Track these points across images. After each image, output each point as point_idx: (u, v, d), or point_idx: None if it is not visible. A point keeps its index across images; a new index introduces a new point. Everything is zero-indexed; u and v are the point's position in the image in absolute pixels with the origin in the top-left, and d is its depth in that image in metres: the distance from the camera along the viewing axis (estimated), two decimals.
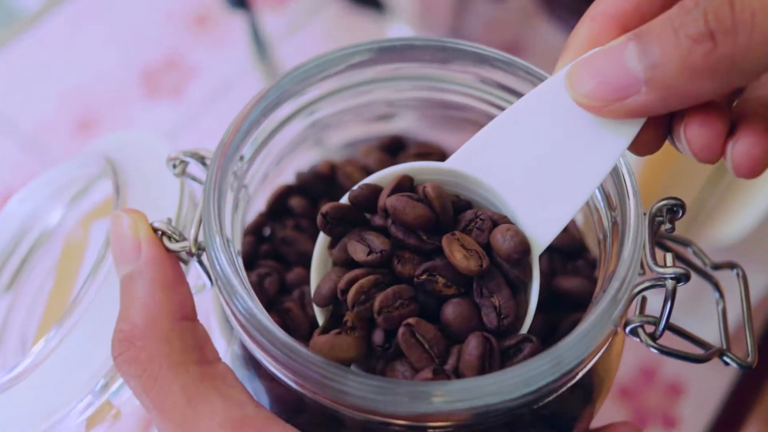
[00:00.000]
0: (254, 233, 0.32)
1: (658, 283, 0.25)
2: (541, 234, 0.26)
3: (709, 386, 0.59)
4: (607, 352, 0.28)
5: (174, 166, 0.28)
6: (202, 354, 0.26)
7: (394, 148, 0.34)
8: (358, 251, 0.25)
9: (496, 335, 0.25)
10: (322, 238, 0.28)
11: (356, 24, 0.79)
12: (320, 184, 0.32)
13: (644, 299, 0.27)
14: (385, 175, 0.27)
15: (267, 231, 0.33)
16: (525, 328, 0.26)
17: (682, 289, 0.43)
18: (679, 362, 0.48)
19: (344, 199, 0.27)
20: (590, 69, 0.23)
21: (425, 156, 0.32)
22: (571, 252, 0.32)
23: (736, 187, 0.45)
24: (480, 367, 0.24)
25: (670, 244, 0.28)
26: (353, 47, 0.29)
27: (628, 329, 0.26)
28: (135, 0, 0.81)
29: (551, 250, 0.32)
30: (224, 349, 0.29)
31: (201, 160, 0.28)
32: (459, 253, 0.24)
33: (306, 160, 0.33)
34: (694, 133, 0.23)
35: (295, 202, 0.32)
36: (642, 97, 0.22)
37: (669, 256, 0.26)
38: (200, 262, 0.27)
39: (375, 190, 0.27)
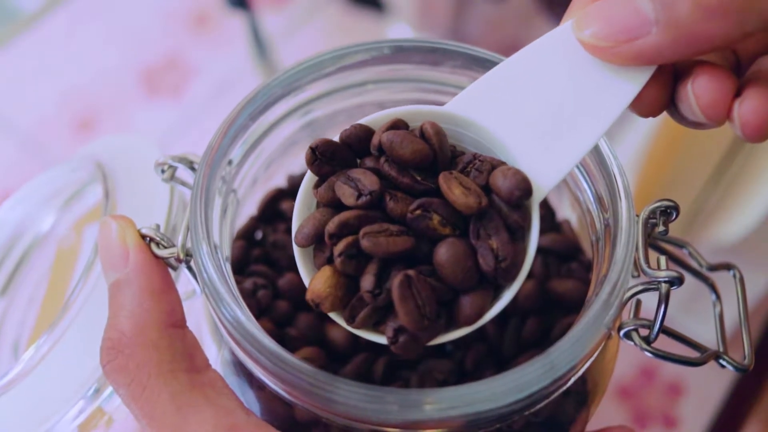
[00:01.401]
0: (245, 238, 0.32)
1: (651, 286, 0.25)
2: (543, 180, 0.24)
3: (709, 386, 0.58)
4: (601, 356, 0.27)
5: (162, 171, 0.28)
6: (191, 362, 0.26)
7: None
8: (347, 194, 0.24)
9: (492, 280, 0.23)
10: (308, 177, 0.26)
11: (356, 24, 0.79)
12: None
13: (639, 302, 0.27)
14: (378, 118, 0.25)
15: (259, 235, 0.32)
16: (521, 278, 0.24)
17: (680, 288, 0.43)
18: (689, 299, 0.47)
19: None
20: (599, 11, 0.22)
21: None
22: (565, 254, 0.32)
23: (735, 188, 0.45)
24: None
25: (665, 246, 0.28)
26: (344, 49, 0.29)
27: (622, 333, 0.26)
28: (134, 0, 0.81)
29: (545, 252, 0.32)
30: (215, 355, 0.29)
31: (189, 164, 0.28)
32: (457, 190, 0.23)
33: (298, 162, 0.33)
34: (702, 88, 0.22)
35: (286, 206, 0.32)
36: (652, 39, 0.21)
37: (662, 259, 0.25)
38: (189, 268, 0.27)
39: (368, 131, 0.25)
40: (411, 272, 0.22)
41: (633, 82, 0.23)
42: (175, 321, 0.26)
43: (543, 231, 0.32)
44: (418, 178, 0.24)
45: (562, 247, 0.32)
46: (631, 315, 0.26)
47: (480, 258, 0.23)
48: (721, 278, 0.31)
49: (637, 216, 0.26)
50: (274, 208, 0.32)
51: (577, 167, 0.29)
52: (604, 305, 0.24)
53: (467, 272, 0.23)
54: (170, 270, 0.27)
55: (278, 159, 0.31)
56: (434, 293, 0.23)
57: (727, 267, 0.30)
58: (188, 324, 0.27)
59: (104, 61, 0.76)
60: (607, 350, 0.28)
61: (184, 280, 0.29)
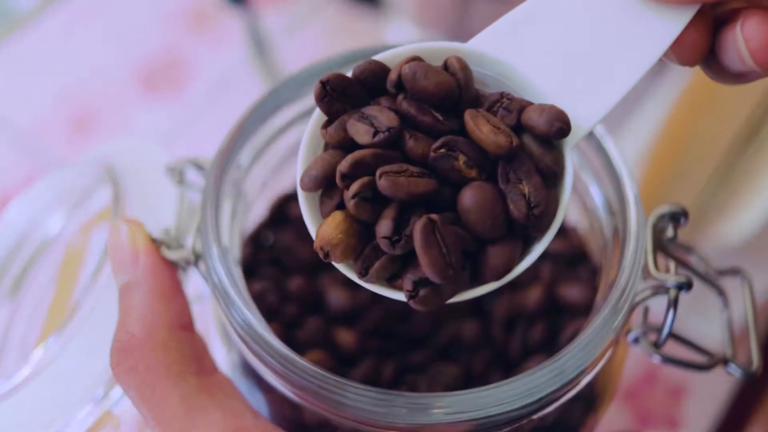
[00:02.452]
0: (254, 241, 0.32)
1: (659, 291, 0.25)
2: (577, 122, 0.22)
3: (712, 388, 0.58)
4: (610, 361, 0.27)
5: (173, 175, 0.28)
6: (200, 364, 0.26)
7: None
8: (361, 132, 0.21)
9: (523, 229, 0.21)
10: (317, 116, 0.23)
11: (356, 23, 0.79)
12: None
13: (647, 307, 0.27)
14: (393, 55, 0.23)
15: (269, 238, 0.32)
16: (554, 229, 0.22)
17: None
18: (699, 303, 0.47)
19: None
20: None
21: None
22: (572, 258, 0.32)
23: (740, 186, 0.45)
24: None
25: (672, 250, 0.28)
26: (351, 53, 0.29)
27: (630, 338, 0.26)
28: None
29: (552, 257, 0.32)
30: (224, 357, 0.29)
31: (200, 168, 0.28)
32: (485, 128, 0.20)
33: None
34: (752, 31, 0.21)
35: (295, 211, 0.32)
36: None
37: (671, 264, 0.26)
38: (199, 271, 0.27)
39: (383, 68, 0.22)
40: (435, 216, 0.20)
41: (674, 22, 0.21)
42: (184, 323, 0.26)
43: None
44: (440, 118, 0.21)
45: (569, 251, 0.32)
46: (640, 320, 0.26)
47: (510, 203, 0.20)
48: (727, 281, 0.31)
49: (645, 220, 0.26)
50: (283, 212, 0.32)
51: (586, 172, 0.29)
52: (612, 311, 0.24)
53: (496, 219, 0.20)
54: (180, 271, 0.27)
55: (287, 162, 0.31)
56: (460, 241, 0.20)
57: (735, 272, 0.30)
58: (197, 326, 0.28)
59: (102, 60, 0.76)
60: (615, 355, 0.28)
61: (192, 283, 0.29)
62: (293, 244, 0.31)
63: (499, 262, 0.21)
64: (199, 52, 0.76)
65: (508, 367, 0.31)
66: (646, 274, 0.25)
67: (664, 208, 0.26)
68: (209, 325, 0.30)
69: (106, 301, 0.29)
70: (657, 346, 0.26)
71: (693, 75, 0.51)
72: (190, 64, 0.76)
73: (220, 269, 0.25)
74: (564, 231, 0.33)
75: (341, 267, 0.22)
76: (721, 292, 0.30)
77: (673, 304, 0.25)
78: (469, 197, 0.20)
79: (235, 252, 0.27)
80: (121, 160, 0.33)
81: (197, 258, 0.26)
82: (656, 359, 0.27)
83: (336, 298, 0.31)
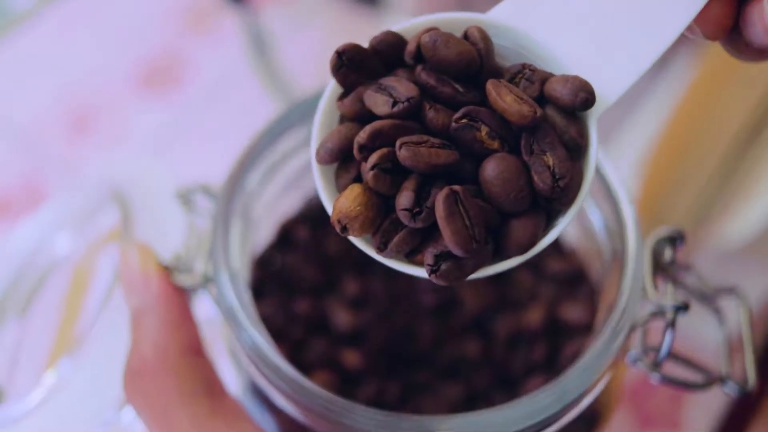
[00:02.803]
0: (262, 263, 0.33)
1: (658, 313, 0.26)
2: (602, 93, 0.21)
3: (713, 390, 0.59)
4: (610, 380, 0.28)
5: (182, 201, 0.28)
6: (210, 387, 0.26)
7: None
8: (379, 103, 0.20)
9: (546, 202, 0.20)
10: (332, 88, 0.22)
11: (356, 23, 0.79)
12: (326, 213, 0.33)
13: (645, 327, 0.27)
14: (410, 27, 0.22)
15: (276, 261, 0.33)
16: (580, 202, 0.21)
17: (689, 285, 0.44)
18: (696, 322, 0.48)
19: None
20: None
21: None
22: (572, 279, 0.33)
23: (742, 187, 0.45)
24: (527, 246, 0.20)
25: (671, 271, 0.29)
26: None
27: (629, 358, 0.27)
28: None
29: (552, 278, 0.33)
30: (233, 378, 0.30)
31: (209, 193, 0.28)
32: (509, 97, 0.20)
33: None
34: None
35: (301, 233, 0.32)
36: None
37: (669, 286, 0.26)
38: (210, 294, 0.28)
39: (400, 39, 0.21)
40: (457, 187, 0.19)
41: None
42: (194, 347, 0.27)
43: (549, 256, 0.33)
44: (461, 89, 0.20)
45: (569, 272, 0.33)
46: (639, 339, 0.27)
47: (534, 175, 0.20)
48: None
49: (644, 242, 0.26)
50: (289, 235, 0.33)
51: (596, 216, 0.29)
52: (612, 333, 0.25)
53: (520, 191, 0.19)
54: (190, 294, 0.28)
55: (295, 184, 0.31)
56: (484, 214, 0.19)
57: (730, 290, 0.31)
58: (206, 348, 0.28)
59: (101, 60, 0.75)
60: (615, 374, 0.29)
61: (202, 304, 0.30)
62: (299, 266, 0.32)
63: (523, 236, 0.20)
64: (198, 52, 0.76)
65: (510, 385, 0.32)
66: (644, 296, 0.26)
67: (663, 232, 0.26)
68: (218, 346, 0.31)
69: (116, 324, 0.29)
70: (656, 366, 0.27)
71: (693, 75, 0.52)
72: (189, 63, 0.76)
73: (230, 295, 0.26)
74: (564, 252, 0.33)
75: (358, 242, 0.21)
76: (717, 312, 0.31)
77: (671, 325, 0.26)
78: (492, 168, 0.19)
79: (245, 273, 0.28)
80: (127, 181, 0.34)
81: (207, 282, 0.27)
82: (655, 379, 0.27)
83: (341, 319, 0.32)
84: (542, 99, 0.20)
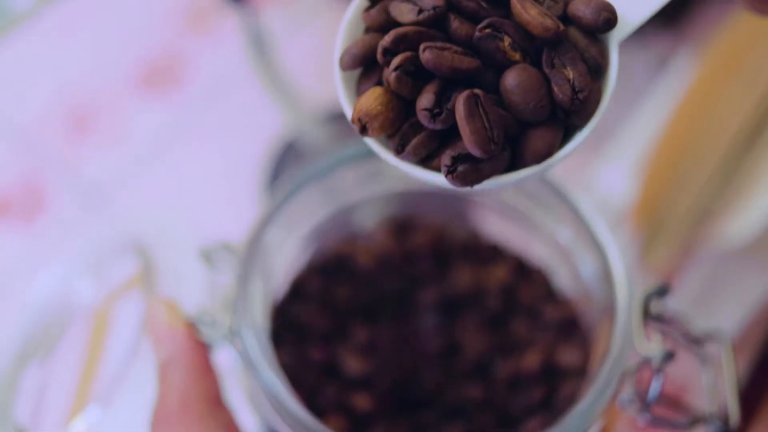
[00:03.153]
0: (279, 313, 0.35)
1: (646, 361, 0.28)
2: (624, 17, 0.21)
3: (699, 428, 0.60)
4: (604, 420, 0.30)
5: (204, 259, 0.31)
6: None
7: (403, 231, 0.36)
8: (404, 12, 0.20)
9: (565, 114, 0.20)
10: (356, 4, 0.22)
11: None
12: (338, 264, 0.35)
13: (635, 372, 0.30)
14: None
15: (291, 311, 0.35)
16: (597, 118, 0.21)
17: (692, 281, 0.46)
18: (685, 365, 0.50)
19: None
20: None
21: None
22: (567, 325, 0.35)
23: (742, 187, 0.46)
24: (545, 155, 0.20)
25: (661, 320, 0.31)
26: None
27: (619, 401, 0.29)
28: None
29: (548, 325, 0.35)
30: (252, 423, 0.32)
31: (230, 250, 0.31)
32: (533, 11, 0.20)
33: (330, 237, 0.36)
34: None
35: (313, 284, 0.35)
36: None
37: (657, 336, 0.29)
38: (233, 346, 0.30)
39: None
40: (478, 91, 0.19)
41: None
42: (217, 397, 0.29)
43: (544, 303, 0.35)
44: (484, 5, 0.21)
45: (564, 319, 0.35)
46: (630, 384, 0.29)
47: (555, 87, 0.20)
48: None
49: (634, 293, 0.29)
50: (303, 286, 0.35)
51: (579, 251, 0.32)
52: (605, 381, 0.27)
53: (540, 101, 0.20)
54: (212, 346, 0.30)
55: (315, 237, 0.34)
56: (503, 120, 0.20)
57: (715, 337, 0.33)
58: (226, 395, 0.30)
59: (100, 59, 0.76)
60: (608, 415, 0.31)
61: (224, 354, 0.32)
62: (312, 315, 0.34)
63: (540, 145, 0.20)
64: (198, 52, 0.76)
65: (510, 425, 0.34)
66: (634, 346, 0.28)
67: (651, 288, 0.29)
68: (236, 393, 0.33)
69: (142, 373, 0.31)
70: (645, 408, 0.29)
71: (693, 75, 0.52)
72: (188, 63, 0.76)
73: (254, 348, 0.28)
74: (558, 300, 0.36)
75: (376, 146, 0.21)
76: (703, 355, 0.33)
77: (659, 372, 0.28)
78: (513, 77, 0.20)
79: (265, 323, 0.30)
80: (149, 234, 0.36)
81: (231, 336, 0.29)
82: (644, 421, 0.30)
83: (351, 365, 0.34)
84: (566, 19, 0.21)
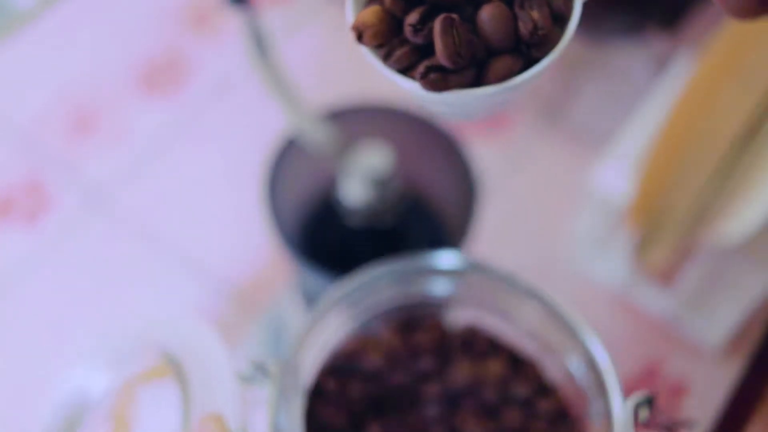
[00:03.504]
0: (306, 416, 0.37)
1: None
2: None
3: (712, 386, 0.62)
4: None
5: (241, 380, 0.32)
6: None
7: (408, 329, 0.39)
8: None
9: (526, 47, 0.24)
10: None
11: None
12: (348, 363, 0.38)
13: None
14: None
15: (315, 411, 0.37)
16: (552, 56, 0.24)
17: (690, 280, 0.52)
18: (683, 362, 0.52)
19: None
20: None
21: None
22: (557, 415, 0.38)
23: (741, 186, 0.47)
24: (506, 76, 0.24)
25: (648, 425, 0.34)
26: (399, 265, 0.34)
27: None
28: None
29: (538, 414, 0.37)
30: None
31: (265, 371, 0.33)
32: None
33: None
34: None
35: (330, 385, 0.37)
36: None
37: None
38: None
39: None
40: (454, 15, 0.23)
41: None
42: None
43: (537, 395, 0.39)
44: None
45: (554, 409, 0.38)
46: None
47: (520, 23, 0.24)
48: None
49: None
50: (321, 386, 0.38)
51: (575, 362, 0.36)
52: None
53: (506, 32, 0.24)
54: None
55: (335, 346, 0.37)
56: (472, 42, 0.24)
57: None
58: None
59: (101, 60, 0.77)
60: None
61: None
62: (332, 416, 0.37)
63: (501, 68, 0.24)
64: (198, 52, 0.77)
65: None
66: None
67: (640, 397, 0.32)
68: None
69: None
70: None
71: (693, 75, 0.53)
72: (189, 63, 0.77)
73: None
74: (549, 392, 0.39)
75: (369, 53, 0.25)
76: None
77: None
78: (487, 11, 0.24)
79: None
80: (175, 342, 0.37)
81: None
82: None
83: None
84: None
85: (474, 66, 0.24)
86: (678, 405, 0.61)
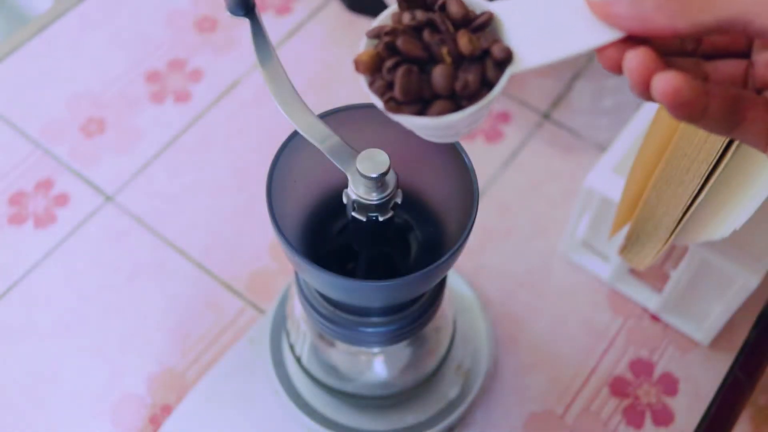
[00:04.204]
0: None
1: None
2: (519, 61, 0.33)
3: (702, 381, 0.62)
4: None
5: None
6: None
7: None
8: (406, 18, 0.33)
9: (459, 98, 0.32)
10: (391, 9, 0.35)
11: (358, 27, 0.83)
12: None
13: None
14: None
15: None
16: (476, 107, 0.32)
17: (677, 278, 0.55)
18: (674, 358, 0.52)
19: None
20: None
21: None
22: None
23: (725, 184, 0.47)
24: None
25: None
26: None
27: None
28: (141, 4, 0.83)
29: None
30: None
31: None
32: (465, 38, 0.32)
33: None
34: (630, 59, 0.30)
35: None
36: (621, 8, 0.30)
37: None
38: None
39: None
40: (414, 68, 0.32)
41: (604, 35, 0.31)
42: None
43: None
44: (450, 26, 0.33)
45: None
46: None
47: (458, 82, 0.32)
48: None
49: None
50: None
51: None
52: None
53: (446, 85, 0.32)
54: None
55: None
56: (421, 87, 0.33)
57: None
58: None
59: (112, 66, 0.79)
60: None
61: None
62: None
63: (438, 107, 0.32)
64: (206, 58, 0.80)
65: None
66: None
67: None
68: None
69: None
70: None
71: None
72: (197, 69, 0.79)
73: None
74: None
75: (361, 78, 0.33)
76: None
77: None
78: (437, 69, 0.32)
79: None
80: None
81: None
82: None
83: None
84: (487, 50, 0.33)
85: (421, 102, 0.32)
86: (668, 400, 0.62)
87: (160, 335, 0.64)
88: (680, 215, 0.48)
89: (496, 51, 0.32)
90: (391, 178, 0.43)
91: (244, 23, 0.46)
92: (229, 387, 0.60)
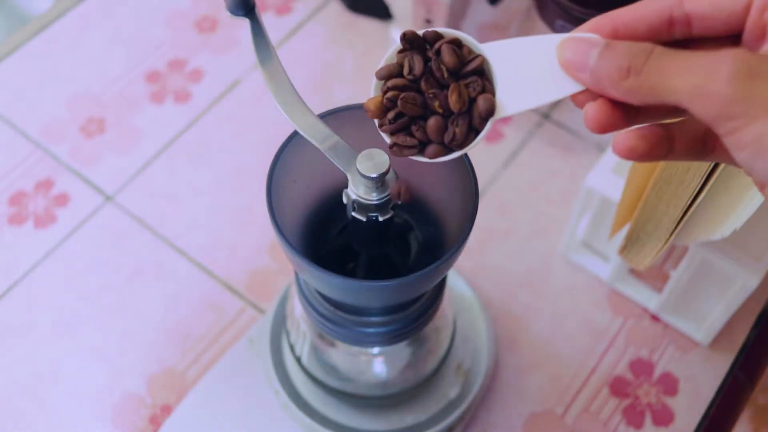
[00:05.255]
0: None
1: None
2: (503, 108, 0.37)
3: (702, 381, 0.63)
4: None
5: None
6: None
7: None
8: (405, 68, 0.38)
9: (450, 145, 0.37)
10: (395, 48, 0.38)
11: (358, 27, 0.83)
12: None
13: None
14: (445, 31, 0.38)
15: None
16: (463, 151, 0.37)
17: (677, 278, 0.49)
18: (674, 358, 0.52)
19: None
20: (574, 43, 0.35)
21: None
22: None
23: (725, 184, 0.47)
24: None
25: None
26: None
27: None
28: (141, 4, 0.83)
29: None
30: None
31: None
32: (454, 96, 0.36)
33: None
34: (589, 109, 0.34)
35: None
36: (585, 75, 0.34)
37: None
38: None
39: (438, 35, 0.38)
40: (411, 124, 0.37)
41: (574, 87, 0.35)
42: None
43: None
44: (446, 75, 0.37)
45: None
46: None
47: (447, 132, 0.37)
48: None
49: None
50: None
51: None
52: None
53: (438, 135, 0.37)
54: None
55: None
56: (417, 136, 0.37)
57: None
58: None
59: (112, 66, 0.79)
60: None
61: None
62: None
63: (431, 151, 0.37)
64: (205, 58, 0.80)
65: None
66: None
67: None
68: None
69: None
70: None
71: None
72: (197, 69, 0.79)
73: None
74: None
75: (375, 121, 0.38)
76: None
77: None
78: (432, 120, 0.36)
79: None
80: None
81: None
82: None
83: None
84: (474, 100, 0.37)
85: (419, 146, 0.37)
86: (669, 400, 0.62)
87: (160, 335, 0.64)
88: (680, 215, 0.48)
89: (482, 105, 0.36)
90: (391, 178, 0.43)
91: (244, 23, 0.47)
92: (229, 387, 0.60)
